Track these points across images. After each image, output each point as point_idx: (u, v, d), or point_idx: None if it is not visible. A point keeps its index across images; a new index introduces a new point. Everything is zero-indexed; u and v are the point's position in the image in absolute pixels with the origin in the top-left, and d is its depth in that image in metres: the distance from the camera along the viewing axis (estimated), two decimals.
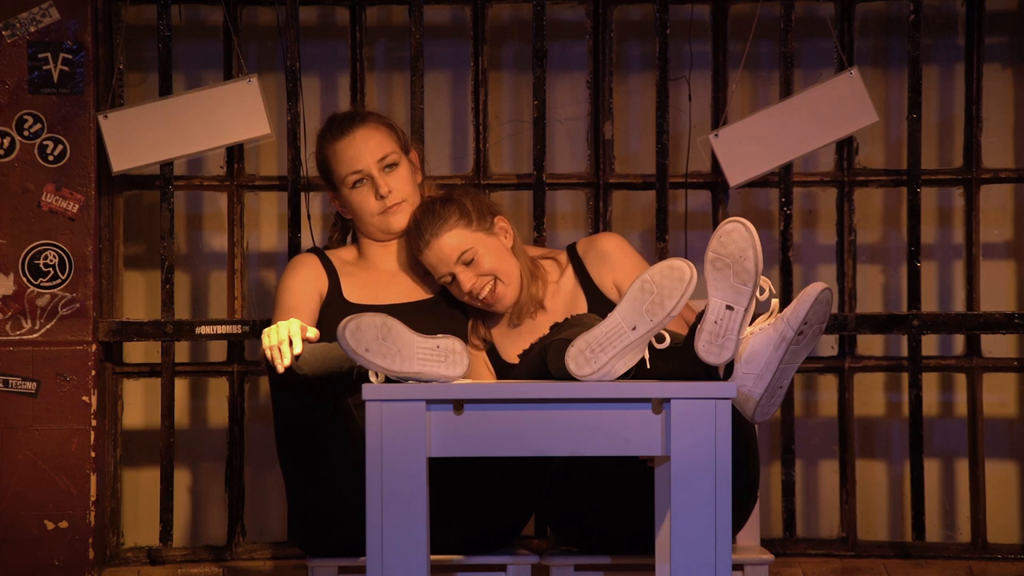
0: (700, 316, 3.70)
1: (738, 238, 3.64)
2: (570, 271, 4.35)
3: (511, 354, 4.28)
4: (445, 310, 4.33)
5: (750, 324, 3.68)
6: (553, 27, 5.01)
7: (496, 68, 5.12)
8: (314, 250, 4.41)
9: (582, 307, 4.28)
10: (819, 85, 4.84)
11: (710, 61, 5.04)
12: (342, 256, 4.40)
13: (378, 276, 4.37)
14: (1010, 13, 5.07)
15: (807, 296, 3.63)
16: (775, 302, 3.69)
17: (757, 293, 3.65)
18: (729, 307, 3.65)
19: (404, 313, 4.24)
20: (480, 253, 4.24)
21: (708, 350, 3.65)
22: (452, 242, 4.23)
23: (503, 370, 4.29)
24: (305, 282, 4.30)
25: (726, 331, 3.64)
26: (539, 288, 4.32)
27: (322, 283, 4.32)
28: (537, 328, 4.26)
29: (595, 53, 5.00)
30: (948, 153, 5.10)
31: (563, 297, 4.33)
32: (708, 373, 3.70)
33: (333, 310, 4.25)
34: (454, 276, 4.24)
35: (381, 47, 5.12)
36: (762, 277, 3.65)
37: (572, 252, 4.37)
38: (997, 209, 5.11)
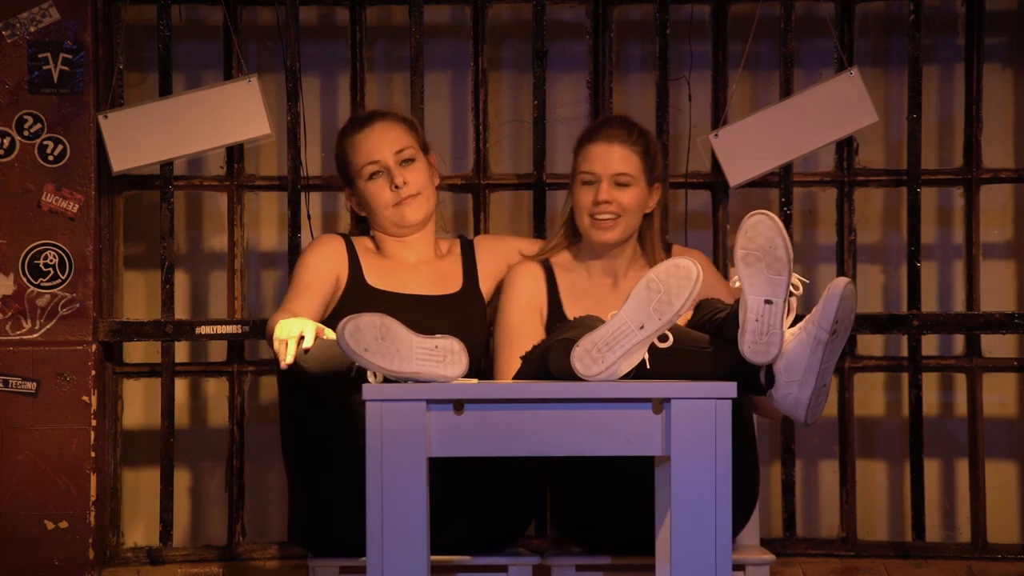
0: (724, 320, 3.68)
1: (764, 229, 3.63)
2: None
3: (574, 309, 4.26)
4: (468, 305, 4.34)
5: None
6: (553, 27, 5.01)
7: (496, 68, 5.11)
8: (341, 234, 4.43)
9: None
10: (819, 85, 4.84)
11: (710, 61, 5.03)
12: (365, 244, 4.42)
13: (400, 266, 4.39)
14: (1010, 13, 5.07)
15: (833, 294, 3.61)
16: (793, 300, 3.67)
17: (792, 286, 3.64)
18: (768, 301, 3.62)
19: (430, 306, 4.27)
20: (633, 188, 4.27)
21: (755, 350, 3.63)
22: (628, 159, 4.28)
23: (557, 319, 4.25)
24: (324, 262, 4.32)
25: (769, 327, 3.62)
26: (637, 257, 4.32)
27: (341, 266, 4.33)
28: (606, 298, 4.26)
29: (595, 53, 4.99)
30: (948, 153, 5.10)
31: None
32: (745, 376, 3.66)
33: (356, 295, 4.27)
34: (599, 180, 4.26)
35: (381, 47, 5.12)
36: (795, 275, 3.64)
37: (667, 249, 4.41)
38: (997, 209, 5.10)
